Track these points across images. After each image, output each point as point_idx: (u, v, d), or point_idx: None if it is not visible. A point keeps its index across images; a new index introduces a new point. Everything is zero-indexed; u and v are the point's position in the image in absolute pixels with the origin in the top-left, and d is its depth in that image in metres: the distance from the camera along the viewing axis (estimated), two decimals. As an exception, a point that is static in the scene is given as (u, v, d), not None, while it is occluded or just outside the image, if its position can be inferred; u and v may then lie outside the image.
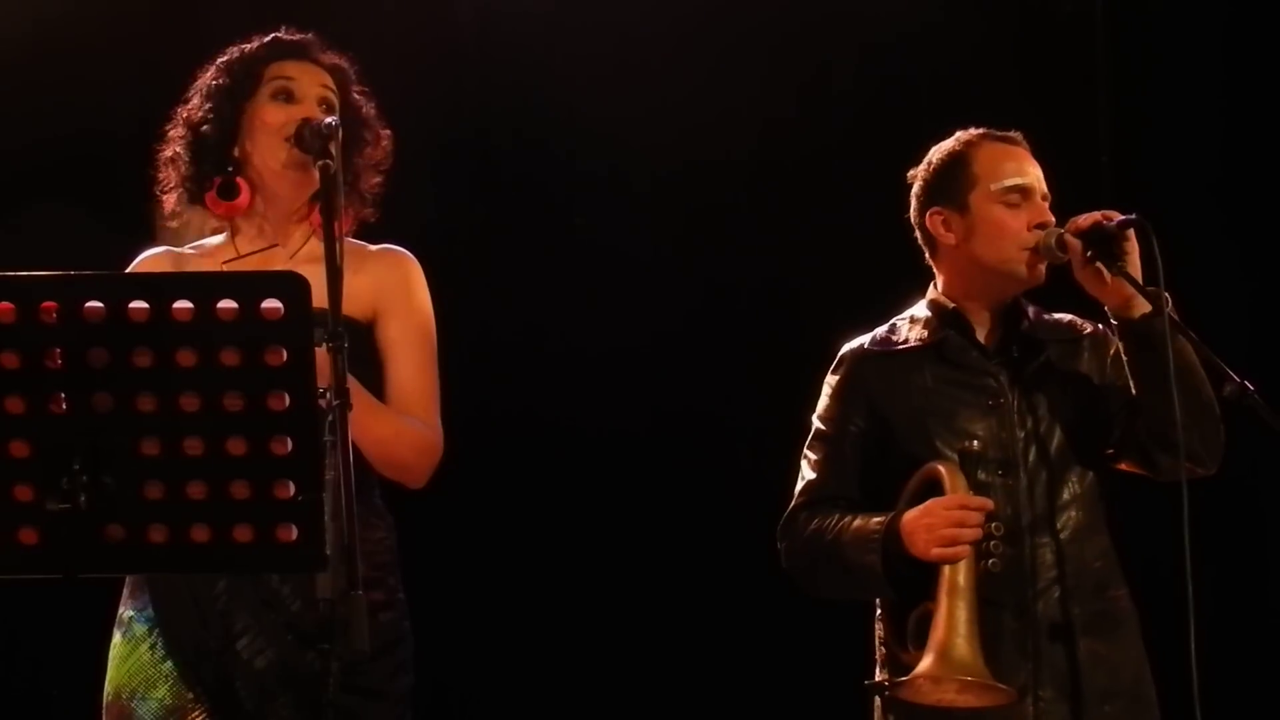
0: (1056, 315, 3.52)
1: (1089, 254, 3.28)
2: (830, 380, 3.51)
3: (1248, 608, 4.92)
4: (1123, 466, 3.43)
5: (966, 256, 3.44)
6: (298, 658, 2.94)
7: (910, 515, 3.24)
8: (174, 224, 3.28)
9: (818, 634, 4.40)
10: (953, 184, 3.45)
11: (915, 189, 3.52)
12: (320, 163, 2.80)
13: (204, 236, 3.30)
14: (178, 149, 3.24)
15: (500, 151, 5.24)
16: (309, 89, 3.20)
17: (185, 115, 3.25)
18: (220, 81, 3.23)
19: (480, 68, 5.20)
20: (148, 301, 2.35)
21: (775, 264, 5.16)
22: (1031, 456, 3.34)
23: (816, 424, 3.50)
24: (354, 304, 3.12)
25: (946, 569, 3.19)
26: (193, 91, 3.27)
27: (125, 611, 3.10)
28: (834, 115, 5.21)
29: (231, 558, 2.43)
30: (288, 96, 3.19)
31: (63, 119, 4.94)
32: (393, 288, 3.21)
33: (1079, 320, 3.52)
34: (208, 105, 3.22)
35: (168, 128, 3.28)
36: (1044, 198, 3.42)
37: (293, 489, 2.39)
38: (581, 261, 5.18)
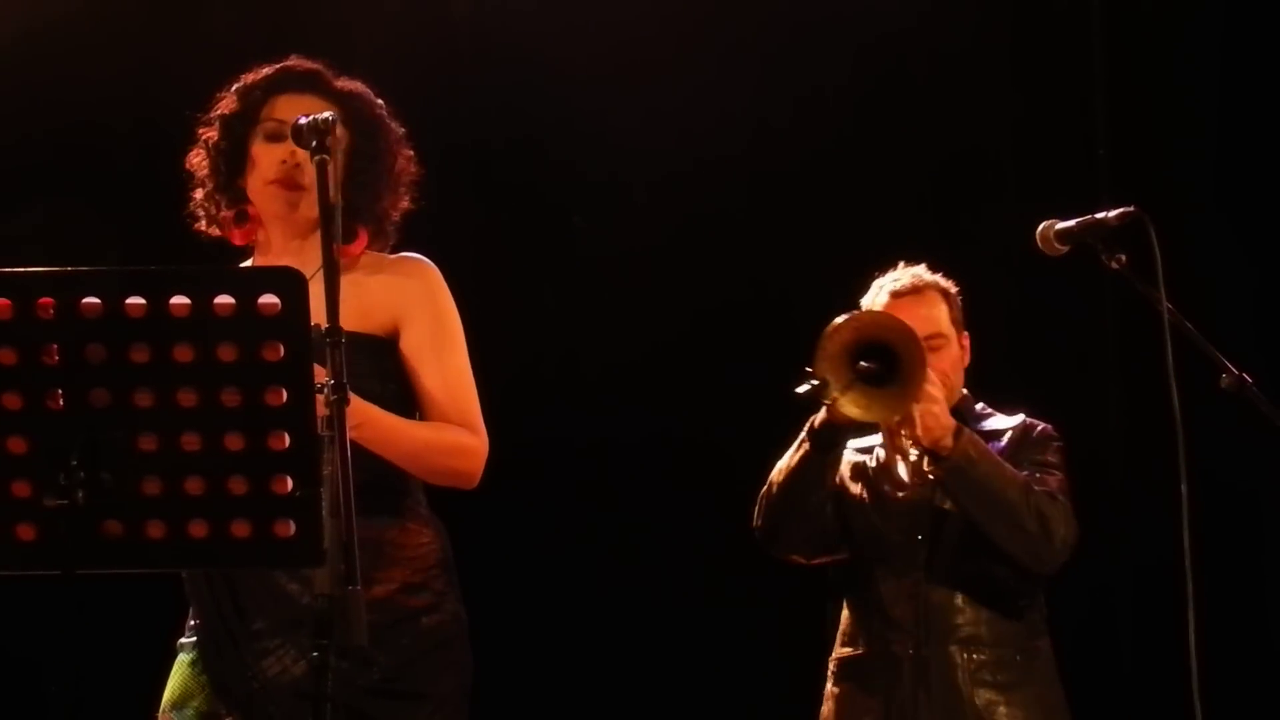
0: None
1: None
2: None
3: (1248, 603, 4.91)
4: None
5: None
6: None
7: None
8: None
9: (814, 636, 4.40)
10: None
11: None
12: (317, 158, 2.78)
13: None
14: (202, 173, 3.23)
15: (496, 155, 5.23)
16: None
17: (205, 136, 3.24)
18: (232, 108, 3.20)
19: (477, 71, 5.19)
20: (145, 297, 2.35)
21: (773, 265, 5.15)
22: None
23: None
24: (372, 318, 3.11)
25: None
26: (213, 110, 3.23)
27: (184, 636, 3.13)
28: (831, 114, 5.20)
29: (229, 553, 2.43)
30: (276, 137, 3.15)
31: (60, 115, 4.93)
32: (413, 295, 3.17)
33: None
34: (221, 133, 3.20)
35: (194, 144, 3.25)
36: (937, 339, 3.58)
37: (290, 484, 2.39)
38: (579, 263, 5.17)
